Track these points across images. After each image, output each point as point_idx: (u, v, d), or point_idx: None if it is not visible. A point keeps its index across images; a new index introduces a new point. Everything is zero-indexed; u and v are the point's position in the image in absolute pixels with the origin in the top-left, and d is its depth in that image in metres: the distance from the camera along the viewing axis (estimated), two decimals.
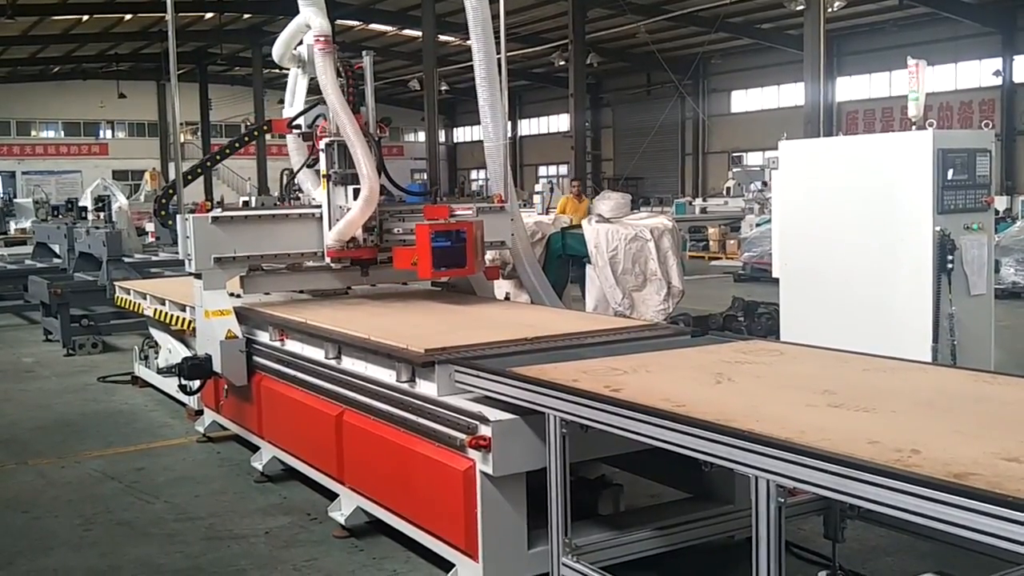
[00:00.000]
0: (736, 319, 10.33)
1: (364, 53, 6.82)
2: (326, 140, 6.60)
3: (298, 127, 6.96)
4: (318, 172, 6.80)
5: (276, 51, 7.25)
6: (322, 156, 6.64)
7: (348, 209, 6.49)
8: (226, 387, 6.51)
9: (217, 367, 6.18)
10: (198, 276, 6.33)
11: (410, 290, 7.20)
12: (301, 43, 7.04)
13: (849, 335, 5.71)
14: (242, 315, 6.36)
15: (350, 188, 6.53)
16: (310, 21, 6.72)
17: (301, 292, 6.99)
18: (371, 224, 6.61)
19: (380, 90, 8.10)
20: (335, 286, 6.99)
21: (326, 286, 6.96)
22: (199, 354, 6.36)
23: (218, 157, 7.28)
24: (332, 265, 6.74)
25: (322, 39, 6.58)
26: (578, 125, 26.12)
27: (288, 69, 7.50)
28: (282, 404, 5.93)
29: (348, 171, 6.56)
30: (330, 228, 6.58)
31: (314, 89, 6.93)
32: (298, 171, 7.40)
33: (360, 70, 6.71)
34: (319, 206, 6.71)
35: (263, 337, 6.26)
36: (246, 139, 7.18)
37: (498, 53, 7.01)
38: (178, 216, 6.45)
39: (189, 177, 6.90)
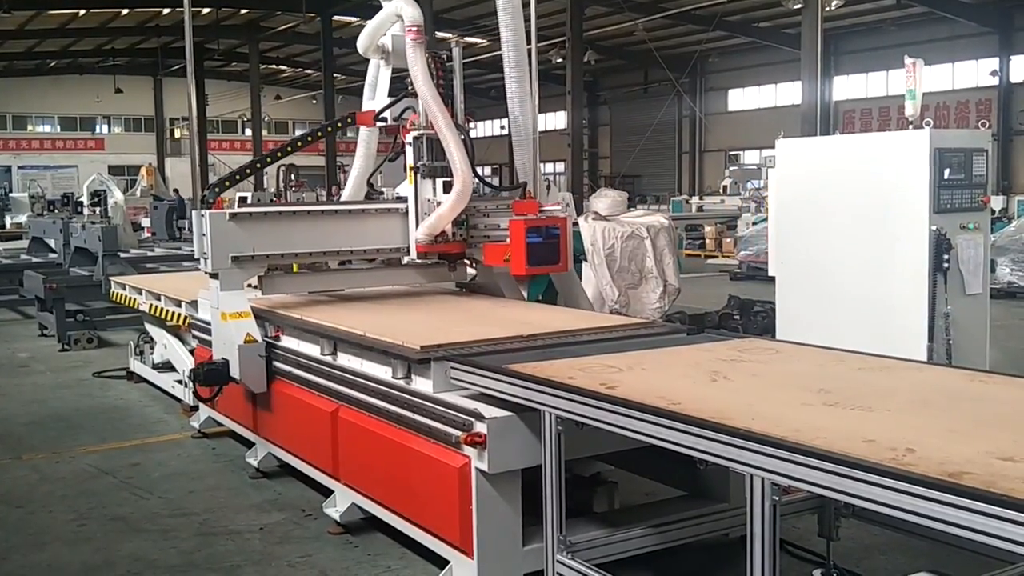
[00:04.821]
0: (732, 317, 10.35)
1: (453, 44, 6.56)
2: (414, 133, 6.34)
3: (384, 120, 6.66)
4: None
5: (361, 42, 6.92)
6: (409, 149, 6.39)
7: (437, 203, 6.28)
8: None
9: (235, 373, 5.86)
10: (214, 276, 5.98)
11: (408, 288, 7.14)
12: (385, 34, 6.71)
13: (845, 334, 5.72)
14: None
15: (439, 182, 6.32)
16: (401, 11, 6.40)
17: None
18: (460, 219, 6.38)
19: None
20: (363, 286, 6.76)
21: (346, 286, 6.75)
22: (216, 359, 6.01)
23: (290, 148, 6.94)
24: (416, 260, 6.56)
25: (414, 29, 6.28)
26: (575, 123, 26.14)
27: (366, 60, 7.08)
28: (277, 400, 5.92)
29: (437, 164, 6.28)
30: (417, 223, 6.35)
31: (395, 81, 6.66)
32: (378, 168, 7.10)
33: (449, 62, 6.45)
34: (402, 200, 6.49)
35: None
36: (328, 129, 6.95)
37: (528, 44, 6.66)
38: (193, 212, 6.12)
39: (246, 172, 6.67)
